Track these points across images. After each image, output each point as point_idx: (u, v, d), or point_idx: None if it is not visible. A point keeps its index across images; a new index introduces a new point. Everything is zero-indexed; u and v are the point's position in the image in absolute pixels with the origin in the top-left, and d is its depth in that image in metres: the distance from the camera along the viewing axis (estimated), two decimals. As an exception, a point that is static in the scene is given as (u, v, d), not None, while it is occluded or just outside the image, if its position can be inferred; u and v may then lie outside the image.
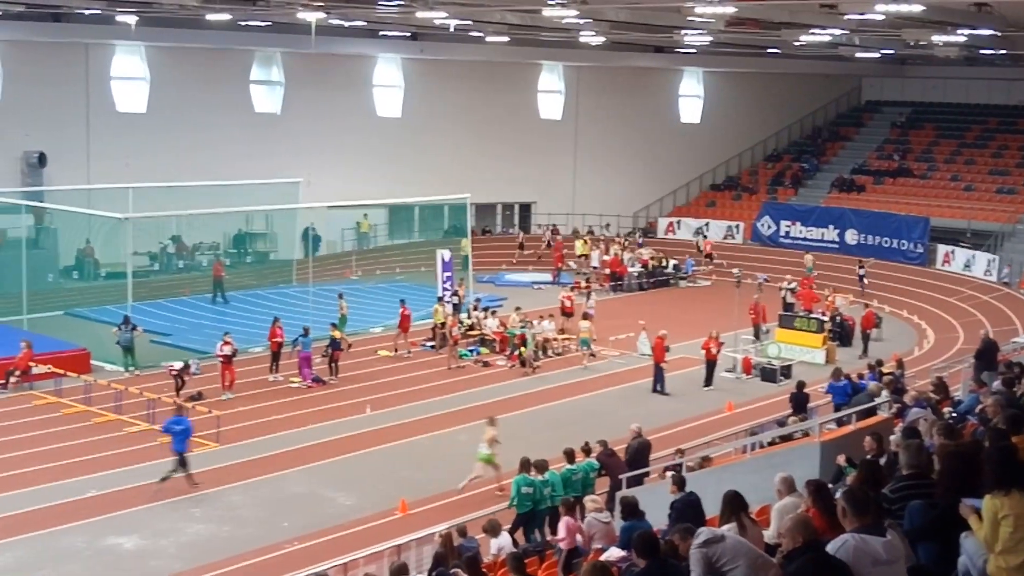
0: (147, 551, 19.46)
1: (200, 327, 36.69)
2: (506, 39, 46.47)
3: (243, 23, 42.50)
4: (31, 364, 29.35)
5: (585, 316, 35.02)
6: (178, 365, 29.02)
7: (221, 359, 29.02)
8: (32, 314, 35.40)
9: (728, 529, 9.18)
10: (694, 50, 52.07)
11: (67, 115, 44.57)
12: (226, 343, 29.22)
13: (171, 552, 19.45)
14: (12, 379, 29.09)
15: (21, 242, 37.90)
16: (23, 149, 43.57)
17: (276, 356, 31.12)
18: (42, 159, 43.44)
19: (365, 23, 43.31)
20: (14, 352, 29.81)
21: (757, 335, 35.90)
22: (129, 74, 46.64)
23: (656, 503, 14.15)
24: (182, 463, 22.24)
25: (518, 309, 36.33)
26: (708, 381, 31.42)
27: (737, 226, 54.05)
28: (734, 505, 10.09)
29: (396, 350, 34.53)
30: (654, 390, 30.62)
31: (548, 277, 47.47)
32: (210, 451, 24.72)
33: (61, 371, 29.18)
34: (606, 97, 56.22)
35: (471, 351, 34.42)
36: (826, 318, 36.03)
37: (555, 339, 35.36)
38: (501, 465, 22.04)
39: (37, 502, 21.33)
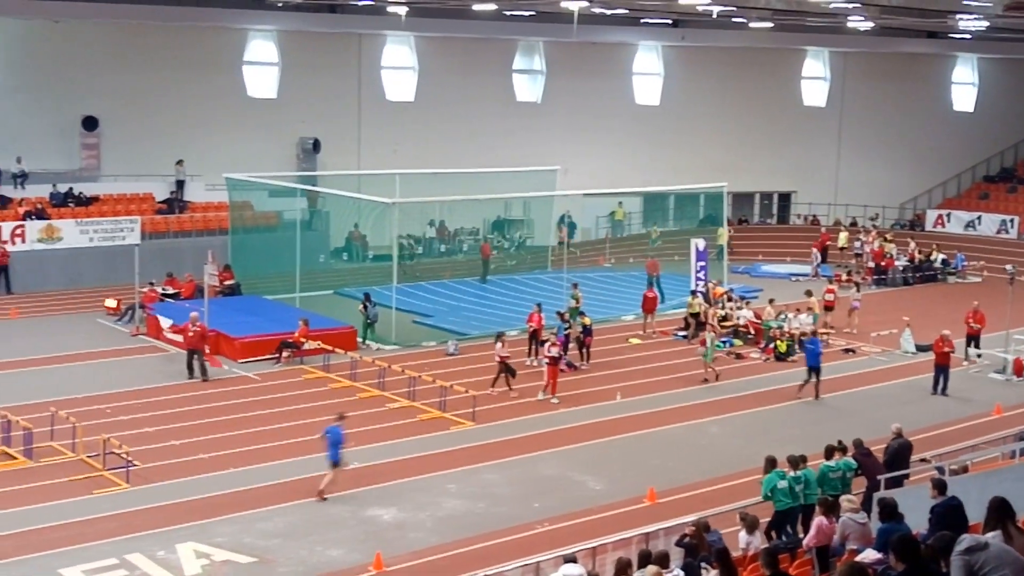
0: (406, 523, 20.22)
1: (459, 309, 37.86)
2: (770, 25, 45.63)
3: (508, 13, 43.42)
4: (303, 340, 30.97)
5: (807, 293, 36.05)
6: (504, 352, 28.59)
7: (547, 359, 28.31)
8: (304, 292, 37.36)
9: (992, 537, 8.83)
10: (969, 36, 49.69)
11: (340, 103, 46.69)
12: (554, 344, 28.53)
13: (428, 526, 20.14)
14: (284, 353, 30.80)
15: (296, 224, 39.98)
16: (299, 135, 45.96)
17: (535, 341, 31.44)
18: (316, 145, 45.67)
19: (627, 11, 43.41)
20: (289, 328, 31.56)
21: (972, 344, 32.29)
22: (398, 63, 48.43)
23: (915, 506, 13.71)
24: (816, 373, 28.19)
25: (772, 301, 35.75)
26: None
27: (1011, 220, 51.20)
28: (1000, 512, 9.66)
29: (645, 330, 35.07)
30: (934, 392, 29.41)
31: (807, 269, 46.42)
32: (466, 429, 25.51)
33: (330, 347, 30.63)
34: (874, 84, 54.37)
35: (724, 342, 34.06)
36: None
37: (813, 333, 34.51)
38: None
39: (306, 471, 22.38)
